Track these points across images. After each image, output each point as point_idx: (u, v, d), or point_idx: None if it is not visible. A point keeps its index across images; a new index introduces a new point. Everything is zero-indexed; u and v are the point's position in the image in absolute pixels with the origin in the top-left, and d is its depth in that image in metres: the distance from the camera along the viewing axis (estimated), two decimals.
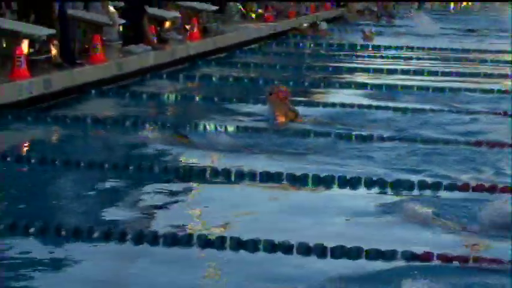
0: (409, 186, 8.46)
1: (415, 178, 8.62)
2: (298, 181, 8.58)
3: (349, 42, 22.22)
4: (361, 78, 16.11)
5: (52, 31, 12.90)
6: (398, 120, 12.12)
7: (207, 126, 10.95)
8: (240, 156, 9.71)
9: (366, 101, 13.39)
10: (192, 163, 9.34)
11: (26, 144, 10.19)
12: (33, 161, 9.06)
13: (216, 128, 10.90)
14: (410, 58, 19.45)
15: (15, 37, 12.48)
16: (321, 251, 6.52)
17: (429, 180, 8.59)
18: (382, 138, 10.64)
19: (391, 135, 10.86)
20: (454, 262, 6.40)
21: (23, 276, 6.11)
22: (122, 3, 15.90)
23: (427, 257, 6.45)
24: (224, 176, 8.71)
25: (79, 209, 8.06)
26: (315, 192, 8.38)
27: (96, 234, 6.78)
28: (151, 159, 9.36)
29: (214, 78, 15.35)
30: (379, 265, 6.34)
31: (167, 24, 17.52)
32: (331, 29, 25.01)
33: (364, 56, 19.83)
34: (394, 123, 11.84)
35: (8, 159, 9.05)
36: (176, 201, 8.24)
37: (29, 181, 8.84)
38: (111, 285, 5.98)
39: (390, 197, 8.22)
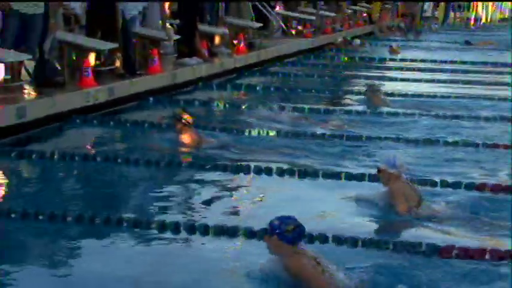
0: (432, 184, 8.43)
1: (437, 177, 8.60)
2: (332, 177, 8.61)
3: (379, 55, 22.13)
4: (388, 87, 16.02)
5: (115, 45, 12.99)
6: (423, 124, 12.07)
7: (251, 131, 11.00)
8: (284, 156, 9.74)
9: (392, 108, 13.31)
10: (241, 161, 9.32)
11: (91, 145, 10.23)
12: (98, 159, 9.14)
13: (258, 132, 10.93)
14: (433, 69, 19.30)
15: (83, 51, 12.59)
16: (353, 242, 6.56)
17: (450, 179, 8.55)
18: (407, 141, 10.62)
19: (415, 137, 10.82)
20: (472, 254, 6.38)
21: (93, 260, 6.22)
22: (177, 21, 15.95)
23: (448, 249, 6.40)
24: (270, 172, 8.76)
25: (136, 202, 8.10)
26: (348, 187, 8.30)
27: (153, 225, 6.84)
28: (203, 158, 9.35)
29: (258, 88, 15.37)
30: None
31: (217, 39, 17.55)
32: (362, 42, 24.89)
33: (391, 68, 19.72)
34: (418, 128, 11.79)
35: (76, 158, 9.13)
36: (226, 195, 8.27)
37: (94, 177, 8.90)
38: (167, 270, 5.98)
39: None
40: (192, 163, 9.03)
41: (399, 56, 22.01)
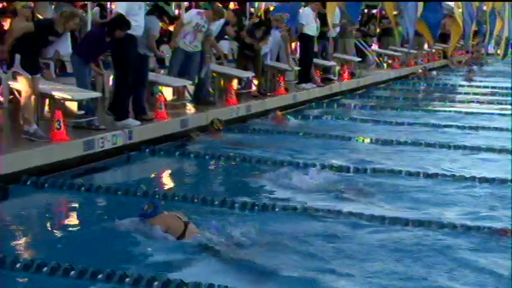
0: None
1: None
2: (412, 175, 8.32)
3: (451, 83, 21.43)
4: (457, 107, 15.54)
5: (252, 74, 13.05)
6: (483, 135, 11.67)
7: (351, 138, 10.86)
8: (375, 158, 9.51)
9: (464, 121, 13.03)
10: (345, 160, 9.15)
11: (232, 146, 10.16)
12: (237, 159, 9.09)
13: (357, 139, 10.78)
14: (495, 93, 18.56)
15: (229, 78, 12.69)
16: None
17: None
18: (472, 148, 10.32)
19: (478, 144, 10.49)
20: None
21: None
22: (298, 56, 15.92)
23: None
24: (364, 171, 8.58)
25: (263, 189, 7.88)
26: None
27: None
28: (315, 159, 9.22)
29: (357, 106, 15.14)
30: None
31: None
32: (438, 73, 24.15)
33: (460, 92, 19.10)
34: (487, 137, 11.44)
35: (221, 158, 9.12)
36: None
37: (235, 170, 8.80)
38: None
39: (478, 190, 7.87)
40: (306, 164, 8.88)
41: (466, 83, 21.22)
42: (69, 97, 8.66)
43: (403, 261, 5.50)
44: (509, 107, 15.55)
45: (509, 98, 17.04)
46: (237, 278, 5.10)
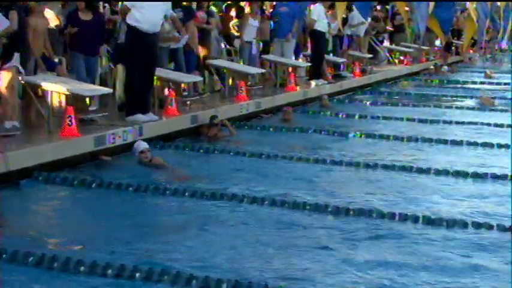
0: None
1: None
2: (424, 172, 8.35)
3: (463, 79, 21.25)
4: (468, 102, 15.50)
5: (263, 70, 13.08)
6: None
7: (362, 134, 10.86)
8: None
9: (478, 118, 12.96)
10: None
11: (240, 144, 10.15)
12: (247, 154, 9.08)
13: (368, 135, 10.77)
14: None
15: (239, 75, 12.73)
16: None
17: None
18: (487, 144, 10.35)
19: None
20: None
21: None
22: (309, 52, 15.96)
23: None
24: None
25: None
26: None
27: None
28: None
29: (367, 102, 15.11)
30: None
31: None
32: (449, 70, 24.03)
33: (472, 89, 18.98)
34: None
35: (231, 153, 9.16)
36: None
37: (245, 165, 8.72)
38: None
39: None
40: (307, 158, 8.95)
41: (479, 79, 21.04)
42: (80, 93, 8.74)
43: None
44: None
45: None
46: None
